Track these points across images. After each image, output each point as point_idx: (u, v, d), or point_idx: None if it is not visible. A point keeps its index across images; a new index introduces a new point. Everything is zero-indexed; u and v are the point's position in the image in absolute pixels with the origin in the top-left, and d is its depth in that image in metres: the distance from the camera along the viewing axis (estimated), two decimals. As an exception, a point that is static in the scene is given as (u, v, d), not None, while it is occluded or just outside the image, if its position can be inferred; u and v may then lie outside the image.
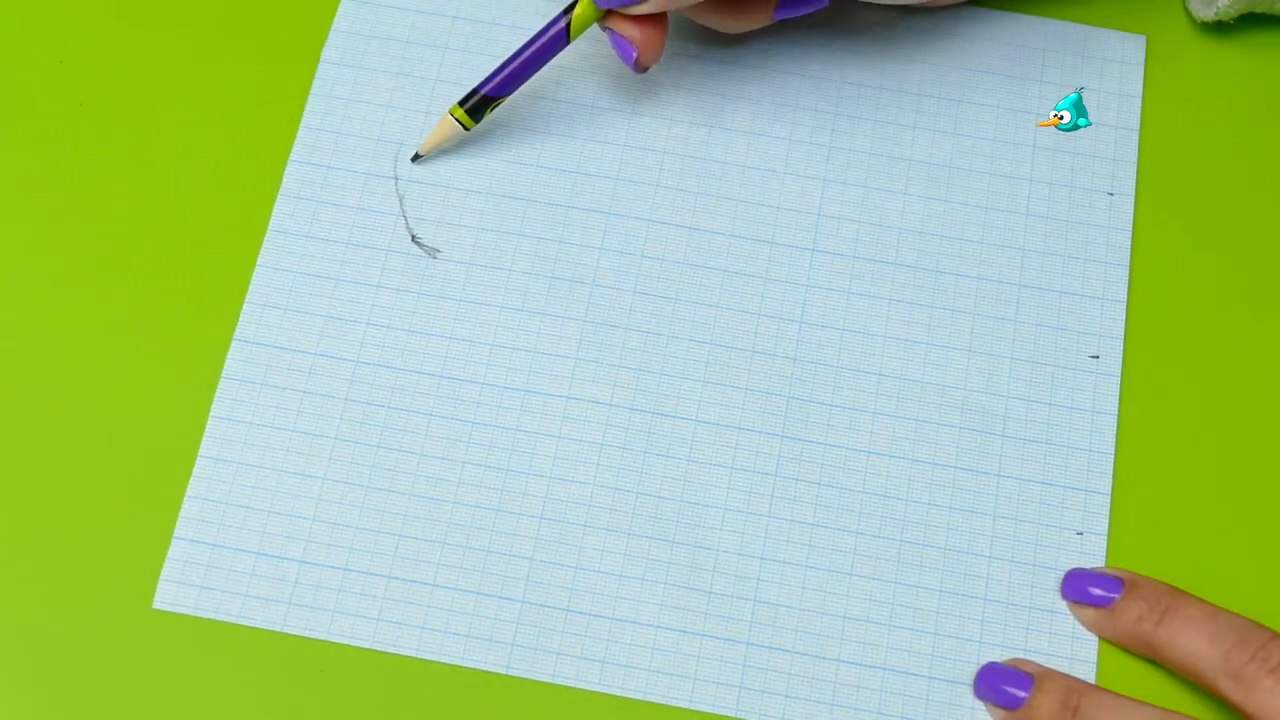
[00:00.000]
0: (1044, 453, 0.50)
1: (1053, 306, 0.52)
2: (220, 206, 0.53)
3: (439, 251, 0.52)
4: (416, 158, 0.53)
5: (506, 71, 0.52)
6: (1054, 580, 0.48)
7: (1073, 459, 0.50)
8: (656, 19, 0.51)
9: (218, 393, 0.50)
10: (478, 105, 0.52)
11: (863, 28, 0.56)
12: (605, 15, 0.51)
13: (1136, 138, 0.54)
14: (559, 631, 0.48)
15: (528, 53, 0.51)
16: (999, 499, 0.49)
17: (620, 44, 0.51)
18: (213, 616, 0.47)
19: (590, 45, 0.55)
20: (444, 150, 0.53)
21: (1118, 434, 0.50)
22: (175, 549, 0.48)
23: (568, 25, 0.51)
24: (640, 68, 0.51)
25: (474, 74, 0.55)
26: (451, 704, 0.47)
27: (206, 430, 0.50)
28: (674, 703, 0.47)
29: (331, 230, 0.52)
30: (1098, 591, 0.47)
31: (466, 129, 0.52)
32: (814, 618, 0.48)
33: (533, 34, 0.52)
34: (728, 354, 0.51)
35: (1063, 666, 0.47)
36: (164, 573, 0.48)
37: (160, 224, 0.52)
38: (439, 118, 0.53)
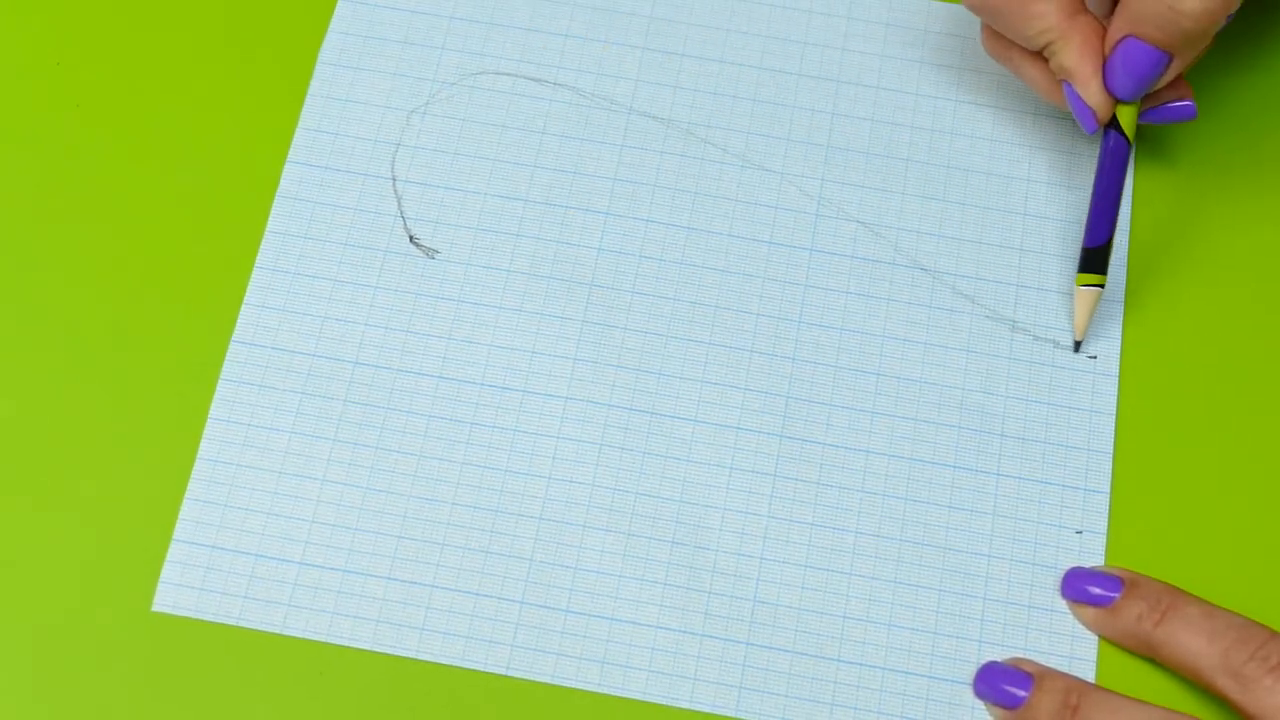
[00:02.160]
0: (1043, 452, 0.50)
1: (1050, 306, 0.52)
2: (218, 207, 0.52)
3: (437, 252, 0.52)
4: (1078, 346, 0.51)
5: (1097, 215, 0.50)
6: (1054, 579, 0.48)
7: (1071, 458, 0.50)
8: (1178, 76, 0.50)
9: (216, 394, 0.50)
10: (1097, 260, 0.50)
11: (859, 27, 0.56)
12: (1144, 98, 0.50)
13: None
14: (559, 632, 0.48)
15: (1104, 185, 0.50)
16: (998, 498, 0.49)
17: (1177, 110, 0.50)
18: (212, 619, 0.47)
19: (590, 51, 0.55)
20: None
21: (1116, 433, 0.50)
22: (174, 551, 0.48)
23: (1121, 132, 0.49)
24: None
25: (471, 73, 0.55)
26: (451, 705, 0.47)
27: (205, 432, 0.49)
28: (674, 703, 0.47)
29: (329, 231, 0.52)
30: (1097, 591, 0.47)
31: (1103, 286, 0.50)
32: (814, 618, 0.48)
33: (1096, 169, 0.50)
34: (726, 354, 0.51)
35: (1063, 666, 0.47)
36: (163, 575, 0.48)
37: (158, 225, 0.52)
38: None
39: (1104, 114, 0.49)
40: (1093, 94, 0.49)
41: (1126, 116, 0.50)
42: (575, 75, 0.55)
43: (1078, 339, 0.51)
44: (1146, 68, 0.48)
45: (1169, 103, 0.50)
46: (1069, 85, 0.49)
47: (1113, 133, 0.50)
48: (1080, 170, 0.54)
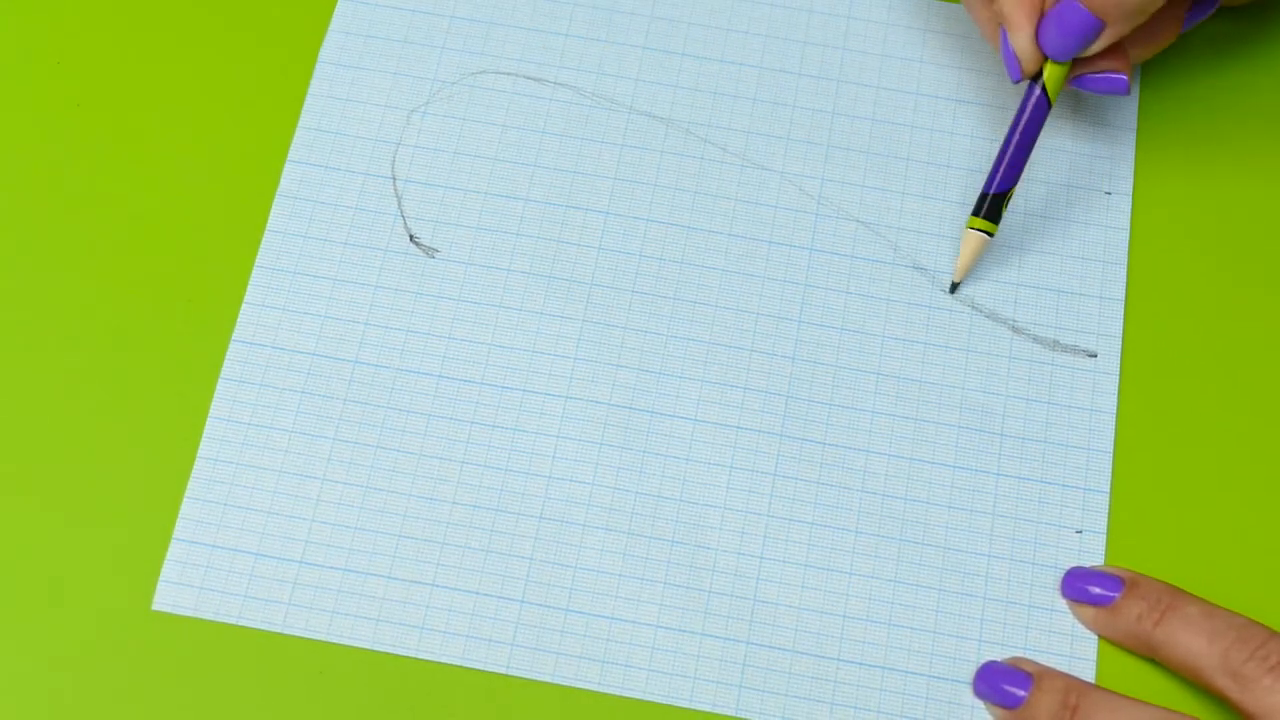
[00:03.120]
0: (1043, 451, 0.50)
1: (1051, 305, 0.52)
2: (218, 207, 0.52)
3: (437, 251, 0.52)
4: (954, 288, 0.52)
5: (1006, 163, 0.50)
6: (1053, 579, 0.48)
7: (1071, 457, 0.50)
8: (1117, 45, 0.50)
9: (216, 393, 0.50)
10: (992, 208, 0.51)
11: (859, 26, 0.56)
12: (1074, 63, 0.50)
13: (1134, 137, 0.54)
14: (558, 631, 0.48)
15: (1017, 137, 0.50)
16: (998, 498, 0.49)
17: (1106, 81, 0.50)
18: (212, 618, 0.47)
19: (590, 50, 0.55)
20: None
21: (1116, 432, 0.50)
22: (174, 550, 0.48)
23: (1044, 92, 0.50)
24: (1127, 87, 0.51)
25: (471, 73, 0.55)
26: (451, 704, 0.47)
27: (205, 431, 0.49)
28: (674, 703, 0.47)
29: (329, 230, 0.52)
30: (1098, 590, 0.47)
31: (992, 235, 0.51)
32: (814, 617, 0.48)
33: (1013, 119, 0.51)
34: (726, 353, 0.51)
35: (1062, 665, 0.47)
36: (163, 574, 0.48)
37: (158, 225, 0.52)
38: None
39: (1029, 65, 0.50)
40: (1021, 43, 0.50)
41: (1054, 75, 0.50)
42: (575, 75, 0.55)
43: (956, 280, 0.52)
44: (1077, 30, 0.48)
45: (1102, 72, 0.50)
46: (1004, 30, 0.50)
47: (1037, 88, 0.50)
48: (1081, 170, 0.54)
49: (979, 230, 0.51)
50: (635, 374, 0.51)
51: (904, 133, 0.54)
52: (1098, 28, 0.48)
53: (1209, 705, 0.47)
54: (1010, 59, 0.50)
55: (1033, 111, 0.50)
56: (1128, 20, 0.49)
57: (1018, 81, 0.51)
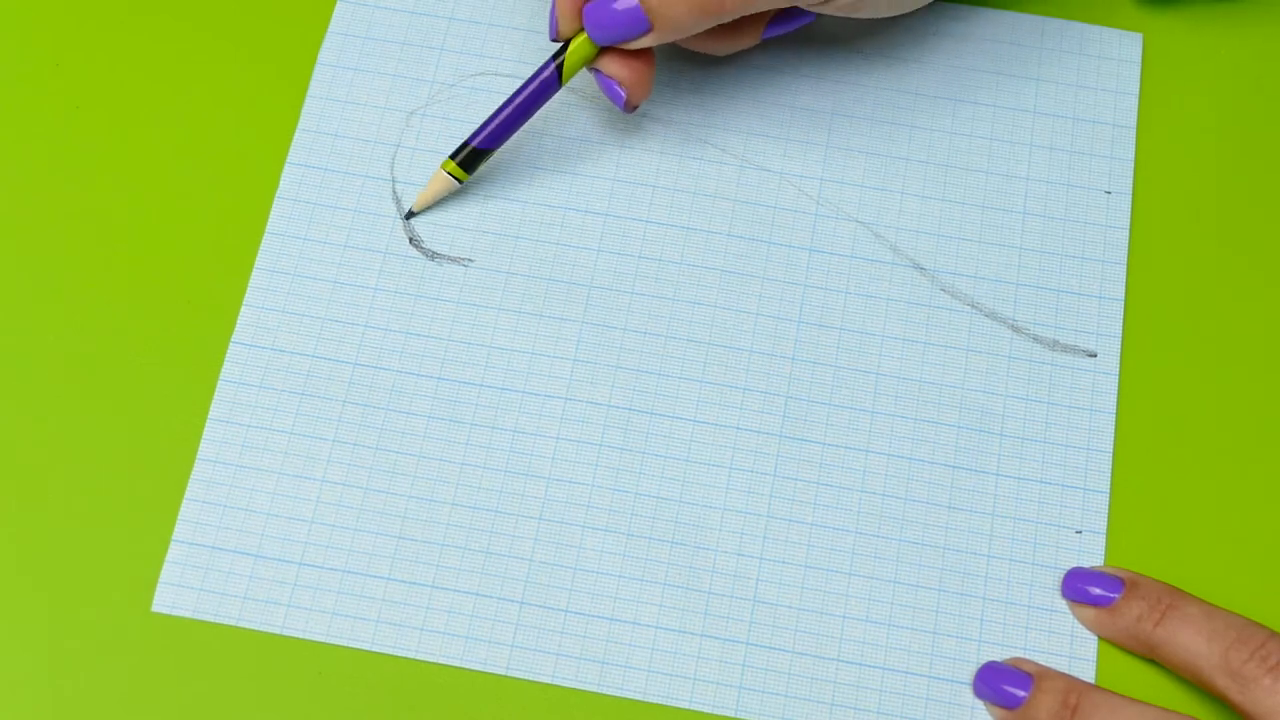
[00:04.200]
0: (1042, 451, 0.50)
1: (1050, 305, 0.52)
2: (218, 209, 0.52)
3: (436, 253, 0.52)
4: (411, 215, 0.52)
5: (496, 123, 0.51)
6: (1053, 579, 0.48)
7: (1071, 457, 0.50)
8: (644, 56, 0.50)
9: (216, 395, 0.50)
10: (470, 158, 0.51)
11: (854, 27, 0.56)
12: (595, 57, 0.50)
13: (1133, 136, 0.54)
14: (558, 632, 0.48)
15: (518, 101, 0.51)
16: (998, 498, 0.49)
17: (609, 85, 0.51)
18: (211, 619, 0.47)
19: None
20: (440, 203, 0.53)
21: (1116, 432, 0.50)
22: (174, 552, 0.48)
23: (559, 69, 0.50)
24: (630, 107, 0.51)
25: (470, 74, 0.55)
26: (451, 706, 0.47)
27: (205, 433, 0.49)
28: (674, 703, 0.47)
29: (329, 233, 0.52)
30: (1098, 591, 0.47)
31: (460, 182, 0.52)
32: (813, 618, 0.48)
33: (522, 81, 0.51)
34: (725, 354, 0.51)
35: (1062, 666, 0.47)
36: (163, 575, 0.48)
37: (158, 227, 0.52)
38: (436, 166, 0.52)
39: (563, 28, 0.50)
40: (565, 6, 0.50)
41: (574, 55, 0.50)
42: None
43: (415, 209, 0.52)
44: (624, 21, 0.49)
45: (613, 78, 0.50)
46: None
47: (553, 64, 0.50)
48: (1081, 170, 0.54)
49: (450, 174, 0.51)
50: (634, 375, 0.51)
51: (904, 133, 0.54)
52: (644, 28, 0.49)
53: (1209, 705, 0.47)
54: (553, 15, 0.50)
55: (539, 85, 0.51)
56: (676, 33, 0.49)
57: (554, 40, 0.51)
